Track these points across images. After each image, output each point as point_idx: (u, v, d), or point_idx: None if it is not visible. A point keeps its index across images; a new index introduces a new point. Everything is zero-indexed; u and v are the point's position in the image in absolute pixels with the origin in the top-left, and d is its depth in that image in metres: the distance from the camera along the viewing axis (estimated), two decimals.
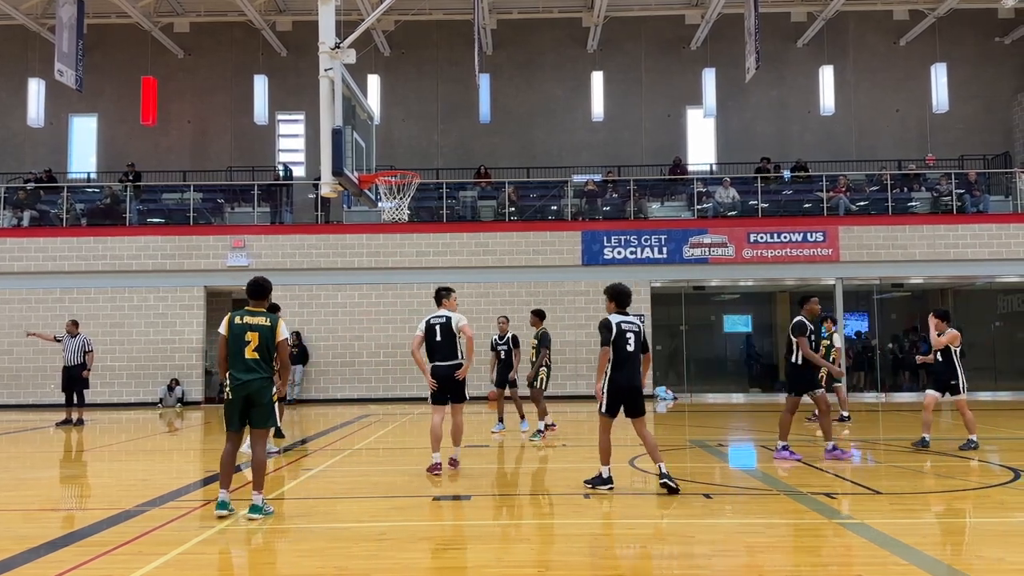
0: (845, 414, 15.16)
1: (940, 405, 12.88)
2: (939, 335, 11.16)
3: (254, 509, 6.86)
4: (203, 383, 21.88)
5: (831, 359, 13.94)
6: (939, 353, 11.19)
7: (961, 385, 11.06)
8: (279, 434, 14.13)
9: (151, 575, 5.40)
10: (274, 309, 12.29)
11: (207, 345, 22.34)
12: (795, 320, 10.24)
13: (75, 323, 17.03)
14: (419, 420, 16.91)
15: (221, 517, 6.88)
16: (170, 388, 21.48)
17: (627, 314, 8.24)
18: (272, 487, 8.94)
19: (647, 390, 14.96)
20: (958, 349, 11.29)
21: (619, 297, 8.25)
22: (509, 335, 13.70)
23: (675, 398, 21.58)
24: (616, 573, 5.59)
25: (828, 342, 14.15)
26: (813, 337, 10.41)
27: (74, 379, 16.53)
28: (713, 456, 11.08)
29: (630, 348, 8.02)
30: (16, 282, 21.93)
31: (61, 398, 21.33)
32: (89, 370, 16.70)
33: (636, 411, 8.10)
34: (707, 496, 7.92)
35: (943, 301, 25.42)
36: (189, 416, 18.93)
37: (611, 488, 8.09)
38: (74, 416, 16.55)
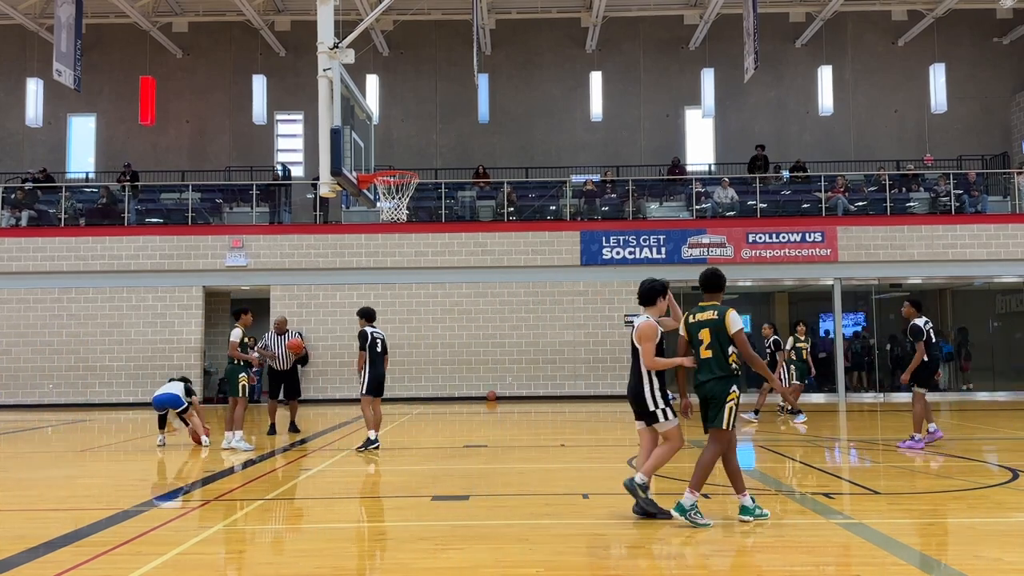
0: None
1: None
2: None
3: (744, 511, 6.53)
4: (202, 383, 21.84)
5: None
6: None
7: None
8: (294, 428, 14.18)
9: (149, 575, 5.40)
10: (237, 316, 12.37)
11: (206, 345, 22.36)
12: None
13: None
14: (417, 420, 16.92)
15: (744, 521, 6.54)
16: None
17: (375, 327, 11.69)
18: (270, 487, 8.94)
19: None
20: None
21: (368, 315, 11.74)
22: (772, 338, 16.02)
23: (674, 398, 21.57)
24: (615, 573, 5.59)
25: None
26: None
27: None
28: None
29: (378, 350, 11.49)
30: (14, 282, 21.90)
31: (59, 398, 21.51)
32: None
33: (381, 393, 11.67)
34: (706, 496, 7.91)
35: (941, 301, 25.46)
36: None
37: (378, 447, 11.43)
38: None
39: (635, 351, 6.89)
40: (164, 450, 12.06)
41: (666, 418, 6.81)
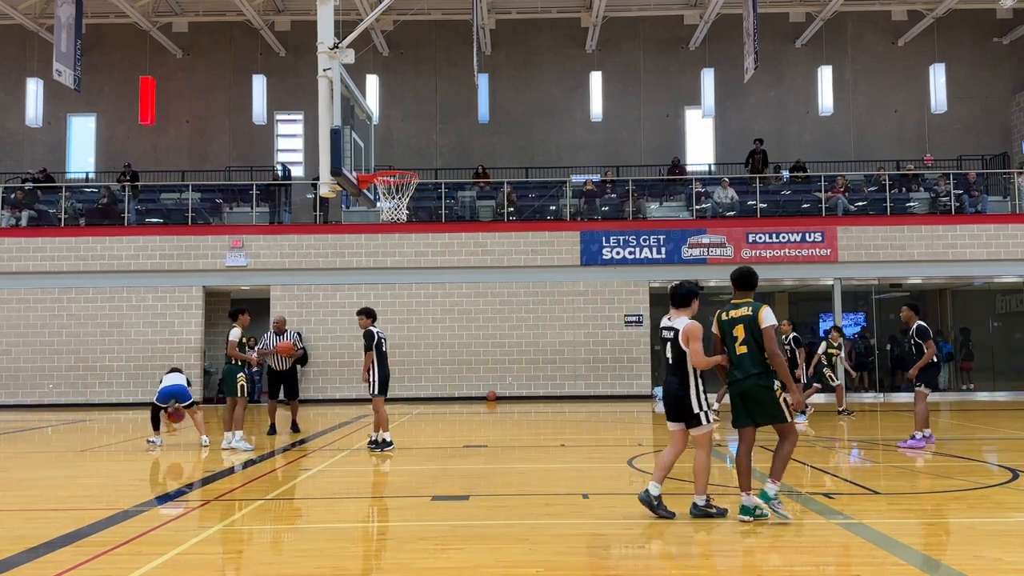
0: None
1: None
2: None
3: (745, 510, 6.63)
4: (202, 383, 21.84)
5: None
6: None
7: None
8: (295, 428, 14.19)
9: (149, 575, 5.39)
10: (234, 316, 12.41)
11: (206, 345, 22.35)
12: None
13: None
14: (417, 420, 16.92)
15: (744, 521, 6.61)
16: None
17: (376, 326, 11.67)
18: (270, 487, 8.94)
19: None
20: None
21: (373, 315, 11.82)
22: (791, 335, 16.03)
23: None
24: (615, 573, 5.59)
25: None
26: None
27: None
28: (711, 456, 11.08)
29: (384, 349, 11.58)
30: (14, 282, 21.89)
31: (59, 398, 21.51)
32: None
33: (387, 392, 11.62)
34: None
35: (941, 301, 25.46)
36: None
37: (393, 447, 11.39)
38: None
39: (678, 353, 6.84)
40: (163, 450, 12.06)
41: (707, 421, 6.83)
